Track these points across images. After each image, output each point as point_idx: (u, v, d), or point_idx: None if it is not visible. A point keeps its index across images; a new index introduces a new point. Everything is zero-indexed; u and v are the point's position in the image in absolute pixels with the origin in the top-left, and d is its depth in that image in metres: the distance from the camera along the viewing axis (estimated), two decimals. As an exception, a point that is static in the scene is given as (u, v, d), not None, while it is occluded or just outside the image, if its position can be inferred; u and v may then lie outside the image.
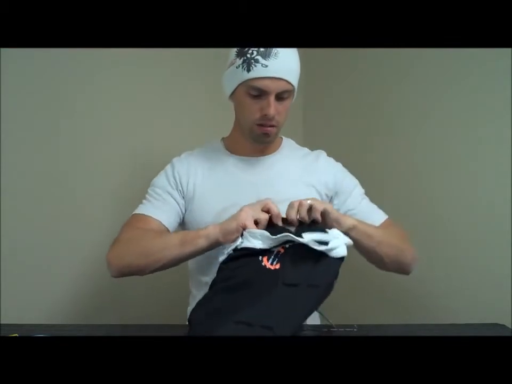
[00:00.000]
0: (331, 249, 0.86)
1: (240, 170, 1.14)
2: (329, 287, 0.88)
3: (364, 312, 1.63)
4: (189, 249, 0.99)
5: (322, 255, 0.86)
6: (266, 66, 1.00)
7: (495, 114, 1.30)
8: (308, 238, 0.86)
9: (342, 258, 0.88)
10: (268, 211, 0.95)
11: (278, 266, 0.88)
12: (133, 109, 1.53)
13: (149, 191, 1.16)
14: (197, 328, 0.87)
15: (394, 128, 1.59)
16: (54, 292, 1.38)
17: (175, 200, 1.13)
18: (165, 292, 1.52)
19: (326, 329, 1.01)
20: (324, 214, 0.95)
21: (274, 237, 0.89)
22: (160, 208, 1.11)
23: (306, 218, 0.94)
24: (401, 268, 1.11)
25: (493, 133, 1.30)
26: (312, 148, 1.23)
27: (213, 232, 0.97)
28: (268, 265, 0.89)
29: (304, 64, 1.88)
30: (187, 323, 1.17)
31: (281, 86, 1.02)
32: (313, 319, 1.10)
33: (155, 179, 1.17)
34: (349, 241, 0.89)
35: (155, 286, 1.49)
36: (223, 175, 1.15)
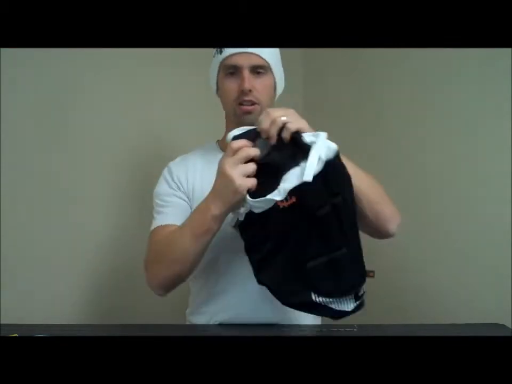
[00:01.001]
0: (326, 156, 0.86)
1: None
2: (348, 181, 0.89)
3: (364, 312, 1.62)
4: (205, 239, 0.96)
5: (324, 166, 0.86)
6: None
7: (495, 114, 1.30)
8: (310, 174, 0.84)
9: (337, 152, 0.88)
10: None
11: (294, 199, 0.86)
12: (132, 108, 1.53)
13: (156, 201, 1.14)
14: (281, 290, 0.89)
15: (394, 128, 1.59)
16: (54, 292, 1.37)
17: (183, 200, 1.12)
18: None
19: (326, 329, 1.02)
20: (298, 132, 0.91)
21: (279, 197, 0.86)
22: (173, 213, 1.09)
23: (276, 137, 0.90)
24: (380, 221, 1.02)
25: (494, 132, 1.30)
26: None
27: (219, 211, 0.92)
28: (284, 204, 0.86)
29: (304, 64, 1.89)
30: (187, 323, 1.18)
31: (253, 61, 1.05)
32: (314, 319, 1.11)
33: (157, 188, 1.16)
34: (324, 133, 0.88)
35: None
36: None
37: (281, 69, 1.14)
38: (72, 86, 1.41)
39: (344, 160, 0.92)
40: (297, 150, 0.87)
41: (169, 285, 1.03)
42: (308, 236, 0.87)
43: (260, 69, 1.06)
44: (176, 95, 1.61)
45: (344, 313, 0.89)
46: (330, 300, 0.88)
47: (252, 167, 0.89)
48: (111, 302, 1.48)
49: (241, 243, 0.93)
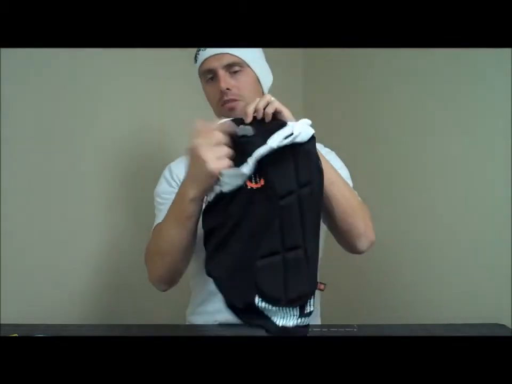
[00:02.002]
0: (299, 135, 0.83)
1: None
2: (320, 173, 0.86)
3: (364, 312, 1.63)
4: (188, 224, 0.94)
5: (295, 146, 0.83)
6: (205, 49, 1.07)
7: (496, 114, 1.30)
8: (275, 141, 0.81)
9: (313, 138, 0.85)
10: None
11: (262, 182, 0.84)
12: (132, 109, 1.53)
13: (157, 199, 1.15)
14: (227, 285, 0.83)
15: (394, 127, 1.59)
16: (54, 292, 1.37)
17: None
18: (165, 292, 1.52)
19: (326, 329, 1.01)
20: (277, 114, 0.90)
21: (247, 169, 0.82)
22: None
23: (261, 114, 0.88)
24: (351, 236, 0.99)
25: (494, 132, 1.30)
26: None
27: (194, 195, 0.90)
28: (253, 185, 0.84)
29: (304, 64, 1.89)
30: (187, 323, 1.18)
31: (225, 60, 1.06)
32: (313, 319, 1.11)
33: (157, 188, 1.16)
34: (308, 120, 0.86)
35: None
36: None
37: (263, 62, 1.14)
38: (72, 86, 1.41)
39: (323, 161, 0.91)
40: (276, 130, 0.84)
41: (168, 279, 1.03)
42: (265, 227, 0.83)
43: (235, 67, 1.07)
44: (176, 95, 1.61)
45: (282, 330, 0.82)
46: (273, 308, 0.82)
47: (225, 149, 0.86)
48: (111, 302, 1.48)
49: None
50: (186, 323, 1.18)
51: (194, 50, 1.11)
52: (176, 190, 1.12)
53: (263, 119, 0.88)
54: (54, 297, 1.38)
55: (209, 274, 0.85)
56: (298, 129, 0.83)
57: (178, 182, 1.14)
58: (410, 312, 1.50)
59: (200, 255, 1.11)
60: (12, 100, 1.31)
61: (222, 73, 1.06)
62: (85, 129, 1.44)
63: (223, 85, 1.05)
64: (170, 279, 1.04)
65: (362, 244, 1.00)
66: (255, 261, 0.82)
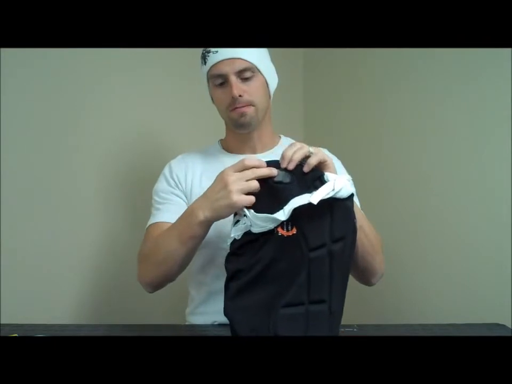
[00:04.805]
0: (339, 191, 0.80)
1: None
2: (354, 232, 0.84)
3: (364, 312, 1.63)
4: (190, 243, 0.94)
5: (333, 201, 0.81)
6: (217, 52, 1.04)
7: (496, 114, 1.30)
8: (317, 198, 0.78)
9: (352, 195, 0.83)
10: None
11: (294, 231, 0.81)
12: (132, 109, 1.53)
13: (155, 198, 1.14)
14: (241, 327, 0.81)
15: (395, 127, 1.59)
16: (54, 292, 1.37)
17: (180, 198, 1.13)
18: (164, 292, 1.52)
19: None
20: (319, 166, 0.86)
21: (282, 216, 0.79)
22: (170, 211, 1.09)
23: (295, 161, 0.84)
24: (367, 273, 1.04)
25: (494, 133, 1.30)
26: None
27: (205, 218, 0.89)
28: (284, 232, 0.81)
29: (304, 64, 1.89)
30: (186, 323, 1.18)
31: (237, 65, 1.04)
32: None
33: (156, 185, 1.16)
34: (348, 176, 0.85)
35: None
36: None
37: (270, 64, 1.14)
38: (71, 86, 1.41)
39: (356, 209, 0.88)
40: (313, 182, 0.83)
41: (156, 284, 1.05)
42: (293, 277, 0.81)
43: (246, 72, 1.06)
44: (177, 94, 1.61)
45: None
46: None
47: (254, 184, 0.83)
48: (111, 302, 1.48)
49: None
50: (186, 323, 1.18)
51: (194, 49, 1.10)
52: (174, 190, 1.13)
53: (299, 164, 0.85)
54: (54, 297, 1.38)
55: (226, 314, 0.84)
56: (339, 185, 0.81)
57: (177, 181, 1.14)
58: (410, 312, 1.50)
59: (200, 257, 1.11)
60: (12, 100, 1.31)
61: (234, 79, 1.04)
62: (85, 129, 1.44)
63: (236, 92, 1.04)
64: (159, 285, 1.05)
65: (376, 279, 1.07)
66: (277, 308, 0.80)
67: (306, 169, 0.83)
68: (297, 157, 0.83)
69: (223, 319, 1.06)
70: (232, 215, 0.87)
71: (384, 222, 1.22)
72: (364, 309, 1.64)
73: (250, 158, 0.86)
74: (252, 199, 0.83)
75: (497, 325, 1.06)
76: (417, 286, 1.49)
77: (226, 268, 0.85)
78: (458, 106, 1.39)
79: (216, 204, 0.86)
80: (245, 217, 0.83)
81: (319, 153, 0.85)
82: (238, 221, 0.85)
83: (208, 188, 0.90)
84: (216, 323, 1.09)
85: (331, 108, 1.83)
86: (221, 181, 0.86)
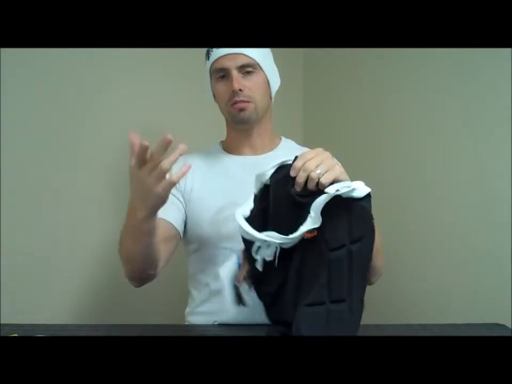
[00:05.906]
0: (354, 190, 0.82)
1: (237, 169, 1.15)
2: (372, 232, 0.86)
3: (364, 312, 1.62)
4: (143, 239, 0.93)
5: (350, 201, 0.82)
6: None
7: (496, 115, 1.30)
8: (333, 189, 0.81)
9: (369, 196, 0.84)
10: None
11: (315, 232, 0.84)
12: (132, 109, 1.52)
13: None
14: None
15: (395, 127, 1.59)
16: (54, 292, 1.37)
17: (178, 200, 1.13)
18: (164, 292, 1.52)
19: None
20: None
21: (313, 222, 0.81)
22: (166, 209, 1.09)
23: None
24: (370, 273, 1.02)
25: (494, 133, 1.30)
26: (313, 148, 1.23)
27: (142, 215, 0.87)
28: (307, 234, 0.84)
29: (304, 64, 1.89)
30: (186, 323, 1.18)
31: (239, 60, 1.06)
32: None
33: None
34: (363, 183, 0.85)
35: (154, 286, 1.48)
36: (220, 174, 1.15)
37: (273, 65, 1.15)
38: (71, 86, 1.41)
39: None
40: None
41: (138, 279, 1.06)
42: (315, 277, 0.84)
43: (248, 68, 1.08)
44: (177, 94, 1.61)
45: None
46: None
47: (163, 164, 0.80)
48: (111, 302, 1.48)
49: (239, 242, 0.92)
50: (186, 323, 1.18)
51: (194, 49, 1.10)
52: (174, 191, 1.13)
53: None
54: (54, 297, 1.38)
55: (272, 320, 0.92)
56: (355, 184, 0.83)
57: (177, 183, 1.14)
58: (410, 312, 1.50)
59: (200, 257, 1.11)
60: (12, 100, 1.31)
61: (235, 73, 1.06)
62: (85, 129, 1.44)
63: (236, 86, 1.06)
64: (140, 280, 1.06)
65: (376, 278, 1.11)
66: (301, 307, 0.83)
67: (321, 187, 0.83)
68: (302, 182, 0.83)
69: (223, 319, 1.07)
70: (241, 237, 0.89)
71: (384, 222, 1.22)
72: (365, 309, 1.64)
73: (132, 137, 0.81)
74: (173, 178, 0.81)
75: (497, 325, 1.06)
76: (417, 286, 1.49)
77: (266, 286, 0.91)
78: (458, 106, 1.39)
79: (147, 202, 0.85)
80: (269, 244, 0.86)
81: (335, 171, 0.84)
82: (259, 247, 0.88)
83: (132, 188, 0.87)
84: (216, 323, 1.09)
85: (331, 108, 1.83)
86: (136, 182, 0.84)
